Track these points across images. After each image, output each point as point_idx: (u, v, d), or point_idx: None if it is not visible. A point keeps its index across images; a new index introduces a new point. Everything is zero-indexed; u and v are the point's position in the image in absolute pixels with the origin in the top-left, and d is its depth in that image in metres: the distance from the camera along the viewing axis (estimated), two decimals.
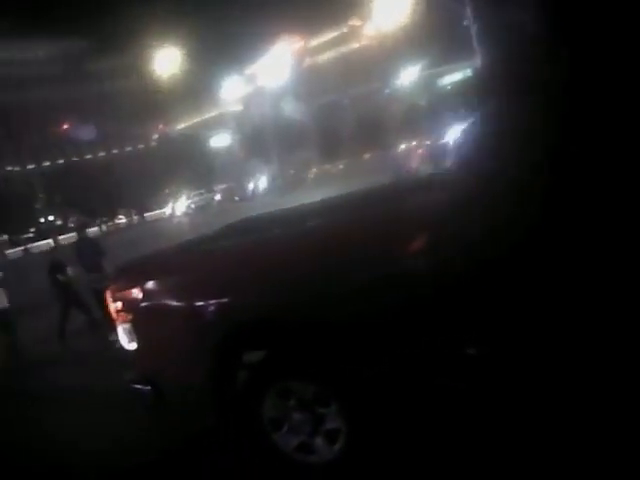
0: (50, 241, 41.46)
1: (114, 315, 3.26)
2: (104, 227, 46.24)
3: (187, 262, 3.34)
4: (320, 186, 23.58)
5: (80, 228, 9.74)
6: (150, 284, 3.18)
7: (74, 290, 8.03)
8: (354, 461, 2.74)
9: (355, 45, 49.79)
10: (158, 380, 3.16)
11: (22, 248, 40.05)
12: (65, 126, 58.79)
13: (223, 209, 33.17)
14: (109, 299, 3.30)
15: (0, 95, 56.97)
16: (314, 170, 43.06)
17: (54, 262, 8.29)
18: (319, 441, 2.80)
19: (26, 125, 55.03)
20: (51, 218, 55.37)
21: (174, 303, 3.16)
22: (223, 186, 47.05)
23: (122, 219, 50.65)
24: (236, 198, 41.06)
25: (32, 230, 48.96)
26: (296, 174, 41.16)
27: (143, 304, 3.14)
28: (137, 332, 3.17)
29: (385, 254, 2.63)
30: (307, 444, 2.83)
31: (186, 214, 41.07)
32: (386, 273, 2.61)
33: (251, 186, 43.09)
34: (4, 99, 57.15)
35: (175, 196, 47.55)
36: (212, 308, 3.00)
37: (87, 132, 57.66)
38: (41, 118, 55.39)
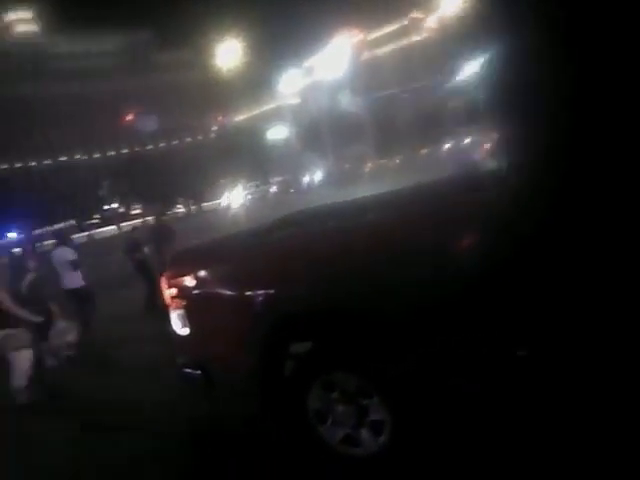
0: (114, 227, 43.06)
1: (168, 301, 3.33)
2: (162, 216, 47.38)
3: (239, 252, 3.38)
4: (375, 181, 23.36)
5: (158, 214, 10.01)
6: (203, 272, 3.25)
7: (149, 268, 8.33)
8: (399, 453, 2.72)
9: (416, 38, 49.02)
10: (208, 366, 3.22)
11: (87, 234, 41.63)
12: (129, 117, 60.78)
13: (278, 201, 33.38)
14: (164, 285, 3.37)
15: (67, 87, 59.57)
16: (370, 164, 42.77)
17: (132, 242, 8.58)
18: (364, 433, 2.80)
19: (92, 116, 57.24)
20: (114, 205, 57.45)
21: (225, 292, 3.20)
22: (279, 178, 47.45)
23: (180, 208, 51.94)
24: (291, 190, 41.31)
25: (96, 217, 50.91)
26: (351, 168, 40.99)
27: (196, 291, 3.21)
28: (189, 318, 3.23)
29: (435, 249, 2.61)
30: (352, 436, 2.83)
31: (242, 205, 41.69)
32: (434, 269, 2.59)
33: (306, 179, 43.26)
34: (71, 91, 59.67)
35: (232, 187, 48.33)
36: (261, 299, 3.03)
37: (150, 123, 59.40)
38: (106, 109, 57.49)
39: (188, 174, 54.99)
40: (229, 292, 3.19)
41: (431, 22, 44.38)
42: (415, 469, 2.71)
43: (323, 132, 48.37)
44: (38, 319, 5.84)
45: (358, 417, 2.80)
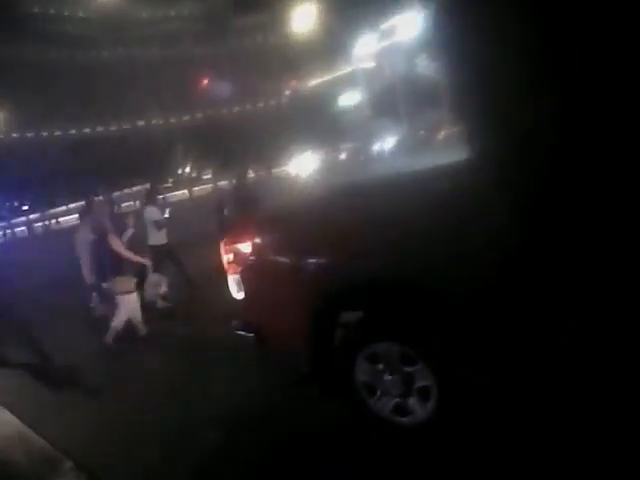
0: (185, 192, 44.12)
1: (226, 266, 3.50)
2: (234, 181, 47.92)
3: (294, 221, 3.47)
4: (450, 149, 22.30)
5: (240, 177, 10.01)
6: (259, 240, 3.37)
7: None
8: (447, 418, 2.81)
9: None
10: (261, 329, 3.37)
11: (162, 197, 42.75)
12: (205, 82, 61.48)
13: (348, 168, 32.82)
14: (222, 251, 3.54)
15: (146, 53, 60.86)
16: (444, 132, 41.00)
17: (221, 201, 9.01)
18: (413, 401, 2.92)
19: (169, 81, 58.30)
20: (187, 170, 58.78)
21: (280, 259, 3.29)
22: (349, 145, 46.58)
23: (251, 174, 52.29)
24: (362, 158, 40.42)
25: (171, 180, 52.21)
26: (426, 135, 39.47)
27: (252, 258, 3.35)
28: (245, 284, 3.38)
29: (487, 225, 2.62)
30: (401, 405, 2.96)
31: (311, 171, 41.29)
32: (482, 245, 2.63)
33: (378, 146, 42.15)
34: (149, 56, 60.95)
35: (302, 153, 47.99)
36: (314, 267, 3.12)
37: (224, 88, 59.83)
38: (183, 74, 58.35)
39: (260, 139, 55.13)
40: (284, 260, 3.27)
41: None
42: (461, 436, 2.80)
43: (397, 98, 46.74)
44: (148, 262, 6.64)
45: (405, 385, 2.93)
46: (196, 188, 43.86)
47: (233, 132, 57.61)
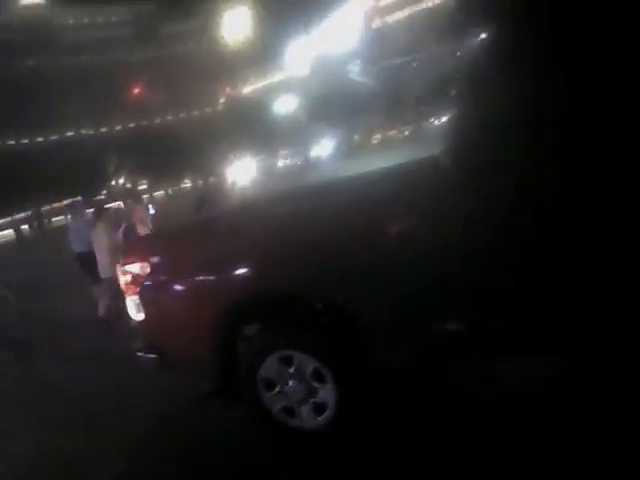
0: (119, 203, 42.87)
1: (123, 287, 3.46)
2: (170, 191, 47.15)
3: (191, 238, 3.51)
4: (383, 152, 22.77)
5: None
6: (156, 259, 3.37)
7: None
8: (335, 437, 2.97)
9: (429, 3, 47.52)
10: (163, 349, 3.35)
11: (93, 209, 41.44)
12: (136, 90, 59.98)
13: (286, 173, 32.88)
14: (119, 273, 3.50)
15: (73, 60, 58.80)
16: (379, 136, 41.75)
17: (201, 198, 9.38)
18: (305, 409, 3.03)
19: (99, 89, 56.53)
20: (121, 181, 57.12)
21: (178, 278, 3.30)
22: (287, 151, 46.69)
23: (187, 183, 51.47)
24: (299, 163, 40.58)
25: (103, 192, 50.60)
26: (360, 139, 40.11)
27: (150, 278, 3.33)
28: (144, 304, 3.35)
29: (380, 237, 2.74)
30: (292, 408, 3.06)
31: (249, 178, 41.07)
32: (380, 256, 2.73)
33: (314, 151, 42.46)
34: (77, 64, 58.92)
35: (239, 160, 47.68)
36: (215, 283, 3.16)
37: (157, 96, 58.61)
38: (113, 82, 56.72)
39: (196, 147, 54.34)
40: (181, 278, 3.29)
41: None
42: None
43: (332, 103, 47.25)
44: None
45: (305, 395, 3.03)
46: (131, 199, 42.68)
47: (168, 141, 56.51)
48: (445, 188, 2.66)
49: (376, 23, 49.88)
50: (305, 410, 3.04)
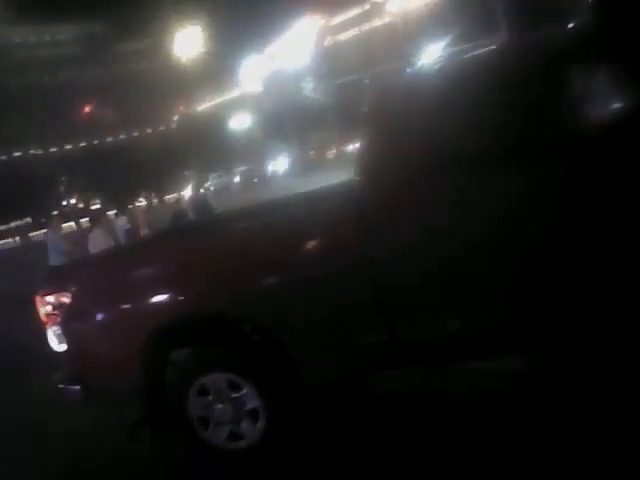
0: (72, 224, 41.86)
1: (44, 318, 3.37)
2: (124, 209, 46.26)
3: (111, 265, 3.52)
4: (340, 167, 23.09)
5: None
6: (77, 287, 3.32)
7: None
8: (277, 438, 2.98)
9: (377, 23, 48.64)
10: (88, 379, 3.28)
11: (44, 231, 40.36)
12: (87, 109, 58.92)
13: (241, 191, 32.84)
14: (38, 304, 3.40)
15: (22, 79, 57.36)
16: (334, 151, 42.31)
17: (177, 213, 9.33)
18: (244, 424, 3.02)
19: (48, 108, 55.30)
20: (73, 201, 55.81)
21: (100, 306, 3.29)
22: (242, 168, 46.72)
23: (142, 202, 50.69)
24: (255, 180, 40.67)
25: (54, 213, 49.35)
26: (316, 155, 40.53)
27: (71, 307, 3.27)
28: (66, 334, 3.28)
29: (303, 257, 2.89)
30: (235, 431, 3.03)
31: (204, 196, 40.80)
32: (301, 276, 2.85)
33: (270, 168, 42.64)
34: (26, 83, 57.49)
35: (194, 178, 47.35)
36: (136, 309, 3.16)
37: (109, 114, 57.73)
38: (63, 101, 55.60)
39: (150, 166, 53.72)
40: (104, 305, 3.27)
41: (392, 6, 43.92)
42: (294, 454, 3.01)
43: (287, 119, 47.65)
44: None
45: (236, 411, 3.01)
46: (84, 220, 41.74)
47: (122, 159, 55.66)
48: (354, 216, 2.78)
49: (328, 41, 50.71)
50: (235, 430, 3.03)
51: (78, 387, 3.27)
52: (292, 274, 2.89)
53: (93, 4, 55.59)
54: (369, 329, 2.84)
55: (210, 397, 3.05)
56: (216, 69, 52.37)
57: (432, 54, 43.61)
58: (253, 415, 3.00)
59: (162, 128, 63.42)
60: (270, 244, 2.94)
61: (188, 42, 57.90)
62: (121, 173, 52.71)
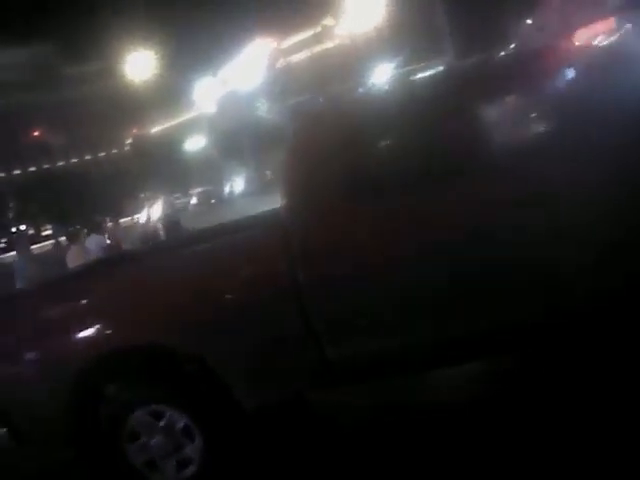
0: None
1: None
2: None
3: (35, 300, 3.41)
4: None
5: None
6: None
7: None
8: (215, 450, 2.93)
9: (329, 45, 49.69)
10: (15, 420, 3.12)
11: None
12: (36, 133, 57.59)
13: (198, 213, 32.77)
14: None
15: None
16: None
17: (148, 233, 9.61)
18: (169, 464, 2.96)
19: None
20: (23, 227, 54.17)
21: (25, 342, 3.15)
22: (199, 189, 46.54)
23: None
24: (212, 201, 40.62)
25: (3, 241, 47.80)
26: (272, 175, 40.87)
27: None
28: None
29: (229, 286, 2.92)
30: (155, 463, 2.97)
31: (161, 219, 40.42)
32: (241, 306, 2.87)
33: (227, 188, 42.70)
34: None
35: (150, 201, 46.85)
36: (65, 344, 3.04)
37: (59, 138, 56.60)
38: (11, 126, 54.20)
39: (104, 190, 52.80)
40: (31, 342, 3.11)
41: (342, 29, 45.08)
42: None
43: (242, 140, 47.94)
44: None
45: (170, 438, 2.95)
46: (35, 246, 40.64)
47: (74, 184, 54.53)
48: (281, 242, 2.85)
49: (280, 63, 51.41)
50: (171, 464, 2.97)
51: (4, 430, 3.11)
52: (221, 302, 2.89)
53: (42, 27, 54.79)
54: (299, 351, 2.86)
55: (142, 438, 2.96)
56: (169, 91, 52.22)
57: (382, 75, 44.94)
58: (188, 434, 2.95)
59: (115, 151, 62.57)
60: (198, 273, 2.95)
61: (140, 65, 57.55)
62: (74, 197, 51.65)
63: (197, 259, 3.13)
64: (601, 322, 2.74)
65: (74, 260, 7.47)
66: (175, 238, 4.53)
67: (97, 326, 3.01)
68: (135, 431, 2.97)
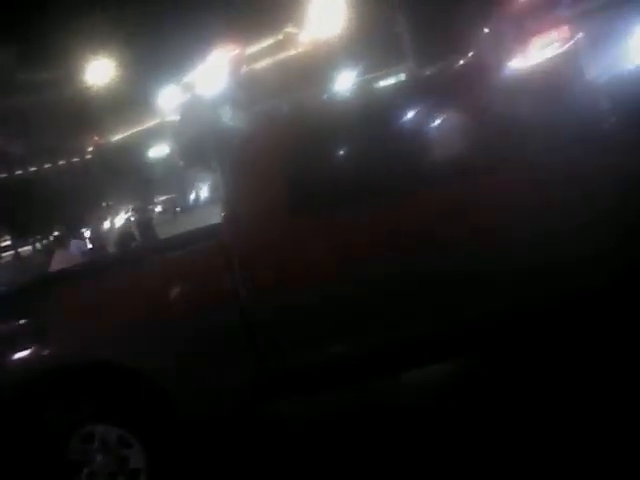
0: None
1: None
2: (38, 245, 44.23)
3: None
4: None
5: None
6: None
7: None
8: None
9: (291, 52, 49.93)
10: None
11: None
12: None
13: (163, 221, 32.50)
14: None
15: None
16: None
17: (124, 234, 9.73)
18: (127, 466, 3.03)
19: None
20: None
21: None
22: (164, 197, 46.11)
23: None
24: (177, 209, 40.32)
25: None
26: None
27: None
28: None
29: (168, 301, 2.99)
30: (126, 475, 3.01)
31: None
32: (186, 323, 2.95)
33: (192, 196, 42.45)
34: None
35: (114, 210, 46.16)
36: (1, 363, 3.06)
37: (17, 147, 55.20)
38: None
39: (65, 198, 51.71)
40: None
41: (305, 36, 45.43)
42: None
43: (206, 147, 47.65)
44: None
45: (117, 466, 2.98)
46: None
47: (33, 193, 53.22)
48: (223, 257, 2.92)
49: (244, 70, 51.40)
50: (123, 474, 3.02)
51: None
52: (164, 319, 2.98)
53: None
54: (243, 364, 2.97)
55: (85, 469, 3.00)
56: (131, 99, 51.64)
57: (344, 82, 45.37)
58: (134, 475, 2.96)
59: (76, 159, 61.38)
60: (141, 290, 3.04)
61: (101, 72, 56.69)
62: (34, 206, 50.42)
63: (139, 276, 3.18)
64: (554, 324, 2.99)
65: (58, 264, 7.71)
66: (121, 253, 4.55)
67: (33, 346, 3.02)
68: (77, 461, 2.99)
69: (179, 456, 3.01)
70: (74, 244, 9.13)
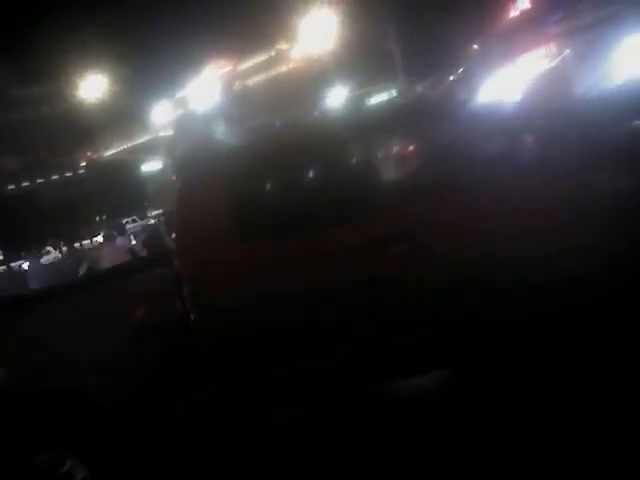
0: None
1: None
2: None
3: None
4: None
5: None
6: None
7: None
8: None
9: (283, 68, 50.56)
10: None
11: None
12: None
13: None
14: None
15: None
16: None
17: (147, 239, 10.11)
18: None
19: None
20: None
21: None
22: (158, 211, 46.15)
23: (50, 251, 48.48)
24: (172, 223, 40.31)
25: None
26: None
27: None
28: None
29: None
30: None
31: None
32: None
33: None
34: None
35: (107, 224, 46.17)
36: None
37: (10, 161, 55.20)
38: None
39: (58, 214, 51.66)
40: None
41: (296, 52, 46.09)
42: None
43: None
44: None
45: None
46: None
47: (26, 208, 53.17)
48: (175, 282, 2.91)
49: (237, 86, 51.89)
50: None
51: None
52: (116, 342, 2.93)
53: None
54: (196, 383, 2.94)
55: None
56: (125, 114, 51.90)
57: (336, 97, 45.97)
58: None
59: (69, 174, 61.41)
60: (88, 314, 3.01)
61: (95, 87, 56.97)
62: (26, 222, 50.36)
63: (90, 299, 3.16)
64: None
65: (109, 258, 8.25)
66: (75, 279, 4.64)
67: None
68: None
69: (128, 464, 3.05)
70: (120, 241, 9.90)
